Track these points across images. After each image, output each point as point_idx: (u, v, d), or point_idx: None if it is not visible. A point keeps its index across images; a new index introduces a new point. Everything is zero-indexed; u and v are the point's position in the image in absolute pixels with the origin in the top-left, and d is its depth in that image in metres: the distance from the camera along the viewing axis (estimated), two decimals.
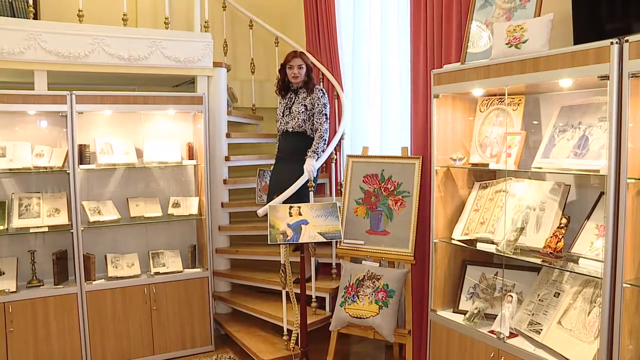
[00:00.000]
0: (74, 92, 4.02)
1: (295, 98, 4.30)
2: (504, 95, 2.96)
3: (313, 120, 4.26)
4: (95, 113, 4.31)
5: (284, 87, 4.38)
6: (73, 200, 4.03)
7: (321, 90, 4.32)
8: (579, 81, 2.51)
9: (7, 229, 3.95)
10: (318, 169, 4.30)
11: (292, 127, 4.25)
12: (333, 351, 3.96)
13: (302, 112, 4.24)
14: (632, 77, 2.15)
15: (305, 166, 4.14)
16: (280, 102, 4.43)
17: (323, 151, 4.26)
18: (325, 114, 4.25)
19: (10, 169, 3.96)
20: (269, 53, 5.68)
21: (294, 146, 4.27)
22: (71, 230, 4.05)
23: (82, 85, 4.98)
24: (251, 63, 5.57)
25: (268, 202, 4.13)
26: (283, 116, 4.33)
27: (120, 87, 4.99)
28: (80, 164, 4.11)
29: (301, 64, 4.24)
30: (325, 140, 4.26)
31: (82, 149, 4.12)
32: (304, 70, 4.24)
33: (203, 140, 4.52)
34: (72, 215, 4.05)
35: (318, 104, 4.24)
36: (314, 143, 4.22)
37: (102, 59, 4.34)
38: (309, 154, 4.19)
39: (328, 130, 4.30)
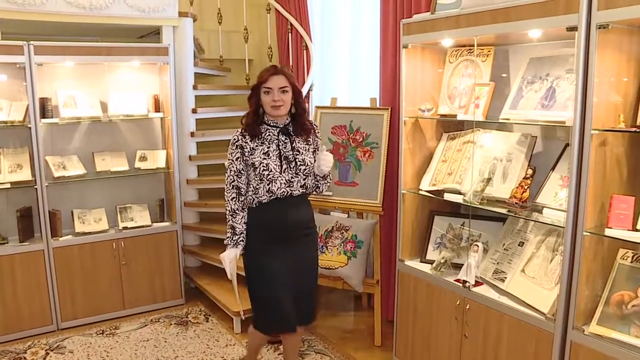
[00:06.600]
0: (32, 42, 3.85)
1: (289, 141, 2.74)
2: (474, 46, 2.94)
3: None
4: (56, 65, 4.16)
5: (258, 122, 2.74)
6: (36, 156, 3.92)
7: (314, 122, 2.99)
8: (549, 32, 2.50)
9: None
10: None
11: (302, 189, 2.77)
12: None
13: (312, 162, 2.80)
14: (599, 28, 2.14)
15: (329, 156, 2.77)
16: (251, 148, 2.70)
17: None
18: None
19: None
20: (237, 3, 5.51)
21: (307, 216, 2.88)
22: (35, 186, 3.95)
23: (42, 36, 4.75)
24: (218, 13, 5.40)
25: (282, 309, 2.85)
26: (282, 172, 2.71)
27: (82, 39, 4.79)
28: (43, 118, 3.97)
29: (285, 85, 2.68)
30: None
31: (43, 102, 3.98)
32: (289, 95, 2.71)
33: (169, 92, 4.41)
34: (35, 171, 3.94)
35: (317, 141, 2.88)
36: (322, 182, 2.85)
37: (61, 7, 4.12)
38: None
39: None
